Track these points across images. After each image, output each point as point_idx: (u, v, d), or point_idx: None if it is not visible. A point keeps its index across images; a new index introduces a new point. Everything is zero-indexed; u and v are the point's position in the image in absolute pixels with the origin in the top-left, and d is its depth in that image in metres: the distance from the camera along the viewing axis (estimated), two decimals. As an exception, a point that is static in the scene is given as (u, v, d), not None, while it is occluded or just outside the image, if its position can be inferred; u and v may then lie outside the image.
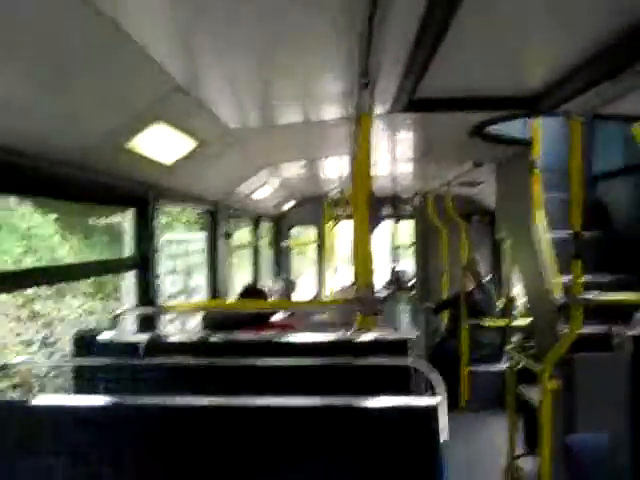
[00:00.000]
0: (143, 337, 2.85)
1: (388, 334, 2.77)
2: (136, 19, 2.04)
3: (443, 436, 1.82)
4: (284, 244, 9.57)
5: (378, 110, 3.54)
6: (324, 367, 2.35)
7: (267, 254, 9.27)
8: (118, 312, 2.94)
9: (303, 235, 10.29)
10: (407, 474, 1.80)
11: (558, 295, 4.24)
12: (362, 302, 2.76)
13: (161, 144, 3.30)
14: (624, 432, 2.85)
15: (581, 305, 3.72)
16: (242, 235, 8.10)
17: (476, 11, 2.20)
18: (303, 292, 9.27)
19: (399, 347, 2.61)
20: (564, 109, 3.49)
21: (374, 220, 2.76)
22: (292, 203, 9.21)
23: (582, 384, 4.01)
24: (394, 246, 9.93)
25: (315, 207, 9.11)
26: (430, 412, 1.83)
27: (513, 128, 4.59)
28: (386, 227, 10.42)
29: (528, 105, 3.56)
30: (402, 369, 2.40)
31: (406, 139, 4.96)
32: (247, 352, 2.56)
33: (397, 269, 10.16)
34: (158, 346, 2.78)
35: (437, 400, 1.85)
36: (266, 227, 9.06)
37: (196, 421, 1.94)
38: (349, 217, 7.32)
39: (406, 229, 10.11)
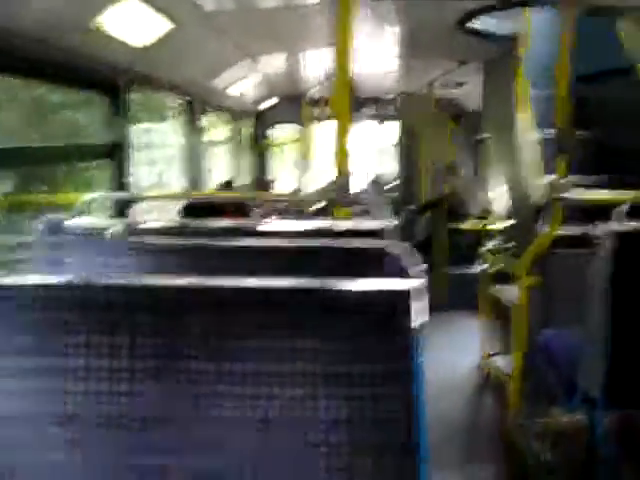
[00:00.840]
0: (115, 222, 2.77)
1: (368, 222, 2.72)
2: None
3: (420, 319, 1.78)
4: (262, 142, 9.41)
5: None
6: (301, 251, 2.31)
7: (246, 154, 9.11)
8: (90, 197, 2.83)
9: (283, 135, 10.09)
10: (382, 356, 1.77)
11: (540, 193, 4.20)
12: (340, 192, 2.69)
13: (133, 23, 3.13)
14: (598, 327, 2.87)
15: (561, 202, 3.68)
16: (220, 133, 7.90)
17: None
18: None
19: (377, 235, 2.57)
20: None
21: (354, 110, 2.67)
22: (273, 101, 8.99)
23: (558, 280, 4.02)
24: (377, 149, 9.81)
25: (296, 106, 8.90)
26: (401, 296, 1.79)
27: (500, 28, 4.45)
28: (369, 129, 10.27)
29: None
30: (379, 255, 2.36)
31: (390, 30, 4.77)
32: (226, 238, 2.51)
33: (380, 172, 10.07)
34: (132, 232, 2.71)
35: (409, 285, 1.80)
36: (245, 125, 8.86)
37: (167, 301, 1.90)
38: (329, 118, 7.17)
39: (391, 131, 9.94)
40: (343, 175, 2.49)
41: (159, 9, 3.17)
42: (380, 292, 1.83)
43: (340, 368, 1.77)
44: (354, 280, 1.82)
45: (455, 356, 5.79)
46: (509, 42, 4.47)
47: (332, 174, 3.97)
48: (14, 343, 1.90)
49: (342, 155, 2.55)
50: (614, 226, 2.85)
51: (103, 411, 1.83)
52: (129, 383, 1.83)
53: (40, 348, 1.89)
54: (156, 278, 1.97)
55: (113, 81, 3.55)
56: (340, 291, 1.82)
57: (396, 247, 2.07)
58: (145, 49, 3.53)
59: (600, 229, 2.91)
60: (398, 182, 9.56)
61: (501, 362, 5.28)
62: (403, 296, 1.78)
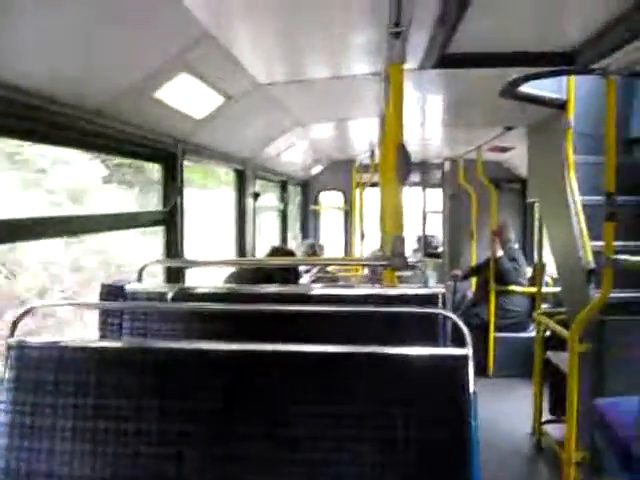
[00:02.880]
0: (170, 287, 2.87)
1: (418, 289, 2.76)
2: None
3: (471, 386, 1.80)
4: (312, 208, 9.56)
5: (408, 65, 3.47)
6: (354, 316, 2.35)
7: (294, 218, 9.27)
8: (144, 264, 2.95)
9: (331, 200, 10.23)
10: (438, 421, 1.78)
11: (589, 259, 4.16)
12: (392, 257, 2.72)
13: (190, 97, 3.29)
14: None
15: (612, 268, 3.65)
16: (269, 198, 8.06)
17: None
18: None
19: (428, 301, 2.60)
20: (601, 66, 3.40)
21: (405, 174, 2.71)
22: (320, 167, 9.17)
23: (611, 347, 3.96)
24: (423, 213, 9.85)
25: (344, 172, 9.06)
26: (461, 361, 1.81)
27: (545, 90, 4.50)
28: (414, 195, 10.33)
29: (564, 62, 3.47)
30: (430, 322, 2.38)
31: (436, 99, 4.88)
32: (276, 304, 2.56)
33: (425, 235, 10.09)
34: (185, 296, 2.80)
35: (467, 351, 1.83)
36: (294, 191, 9.03)
37: (224, 366, 1.94)
38: (375, 185, 7.28)
39: (434, 197, 10.00)
40: (397, 238, 2.53)
41: (213, 84, 3.32)
42: (439, 357, 1.85)
43: (398, 433, 1.78)
44: (411, 345, 1.85)
45: (506, 422, 5.68)
46: (555, 106, 4.52)
47: (383, 238, 4.03)
48: (68, 403, 1.97)
49: (396, 218, 2.60)
50: None
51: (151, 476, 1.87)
52: (180, 446, 1.87)
53: (95, 408, 1.95)
54: (209, 343, 2.03)
55: (169, 150, 3.70)
56: (399, 356, 1.85)
57: (449, 313, 2.10)
58: (200, 121, 3.69)
59: None
60: (443, 247, 9.59)
61: (554, 430, 5.16)
62: (461, 361, 1.80)
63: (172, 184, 3.77)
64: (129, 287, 2.75)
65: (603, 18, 2.91)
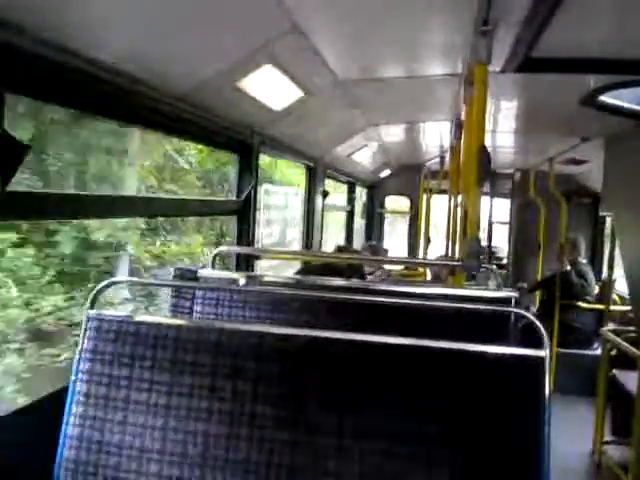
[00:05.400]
0: (241, 275, 2.91)
1: (491, 292, 2.74)
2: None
3: (547, 390, 1.78)
4: (378, 211, 9.55)
5: (490, 67, 3.44)
6: (427, 312, 2.34)
7: (360, 220, 9.29)
8: (217, 250, 3.01)
9: (397, 205, 10.21)
10: (512, 423, 1.76)
11: None
12: (468, 260, 2.70)
13: (271, 89, 3.33)
14: None
15: None
16: (337, 198, 8.09)
17: None
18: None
19: (501, 304, 2.57)
20: None
21: (485, 177, 2.68)
22: (389, 171, 9.16)
23: None
24: (489, 223, 9.72)
25: (412, 177, 9.03)
26: (539, 362, 1.79)
27: (626, 101, 4.39)
28: (483, 204, 10.18)
29: None
30: (503, 323, 2.36)
31: (512, 104, 4.81)
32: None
33: (491, 245, 9.95)
34: (256, 284, 2.84)
35: (545, 352, 1.80)
36: (361, 192, 9.05)
37: (296, 352, 1.96)
38: (444, 192, 7.22)
39: (501, 207, 9.86)
40: (473, 240, 2.50)
41: (294, 77, 3.35)
42: (515, 357, 1.83)
43: (469, 430, 1.76)
44: (486, 343, 1.84)
45: (566, 441, 5.54)
46: (636, 118, 4.40)
47: (459, 241, 3.99)
48: (143, 377, 2.02)
49: (473, 219, 2.58)
50: None
51: (226, 454, 1.90)
52: (250, 428, 1.89)
53: (169, 384, 1.99)
54: (284, 329, 2.04)
55: (246, 141, 3.76)
56: (475, 353, 1.83)
57: (524, 313, 2.07)
58: (277, 113, 3.73)
59: None
60: (508, 259, 9.44)
61: (615, 451, 5.02)
62: (538, 362, 1.78)
63: (247, 175, 3.83)
64: (201, 272, 2.80)
65: None
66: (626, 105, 4.36)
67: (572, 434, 5.68)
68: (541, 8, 2.62)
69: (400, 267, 8.77)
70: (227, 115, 3.36)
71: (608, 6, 2.68)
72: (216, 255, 2.96)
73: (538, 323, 1.90)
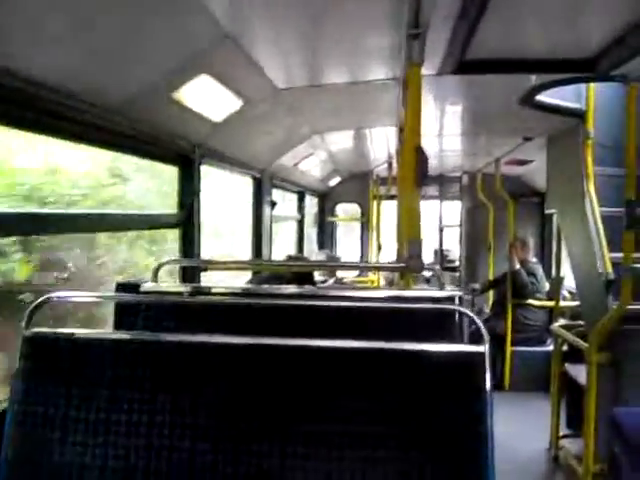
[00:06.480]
0: (186, 287, 2.87)
1: (435, 291, 2.74)
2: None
3: (488, 384, 1.78)
4: (329, 220, 9.56)
5: (427, 71, 3.46)
6: (371, 315, 2.33)
7: (310, 230, 9.28)
8: (160, 263, 2.95)
9: (348, 213, 10.24)
10: (454, 417, 1.76)
11: (609, 269, 4.12)
12: (409, 260, 2.70)
13: (208, 99, 3.30)
14: None
15: (631, 277, 3.60)
16: (285, 209, 8.06)
17: None
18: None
19: (448, 301, 2.58)
20: (621, 72, 3.37)
21: (422, 177, 2.70)
22: (338, 179, 9.18)
23: (630, 357, 3.90)
24: (439, 227, 9.82)
25: (361, 184, 9.09)
26: (478, 358, 1.79)
27: (565, 100, 4.47)
28: (431, 208, 10.32)
29: (584, 69, 3.45)
30: (447, 322, 2.36)
31: (454, 107, 4.87)
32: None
33: (442, 249, 10.05)
34: (201, 296, 2.79)
35: (484, 348, 1.81)
36: (310, 202, 9.04)
37: (238, 361, 1.93)
38: (392, 197, 7.26)
39: (451, 210, 9.98)
40: (414, 241, 2.50)
41: (232, 87, 3.33)
42: (455, 354, 1.83)
43: (413, 428, 1.75)
44: (429, 342, 1.83)
45: (522, 437, 5.60)
46: (574, 116, 4.49)
47: (399, 243, 4.00)
48: (82, 394, 1.97)
49: (413, 221, 2.58)
50: None
51: (170, 466, 1.85)
52: (191, 440, 1.85)
53: (108, 400, 1.94)
54: (223, 337, 2.01)
55: (186, 154, 3.71)
56: (415, 352, 1.83)
57: (464, 310, 2.08)
58: (218, 124, 3.69)
59: None
60: (460, 261, 9.55)
61: (571, 444, 5.08)
62: (478, 358, 1.78)
63: (189, 187, 3.78)
64: (145, 286, 2.75)
65: (623, 23, 2.89)
66: (563, 104, 4.45)
67: (529, 430, 5.75)
68: (470, 10, 2.65)
69: (353, 275, 8.82)
70: (165, 127, 3.31)
71: (533, 8, 2.73)
72: (158, 268, 2.91)
73: (477, 319, 1.90)
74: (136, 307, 2.68)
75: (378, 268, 6.14)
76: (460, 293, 2.66)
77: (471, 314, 1.96)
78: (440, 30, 2.90)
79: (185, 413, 1.86)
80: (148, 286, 2.76)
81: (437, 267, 3.79)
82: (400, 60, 3.23)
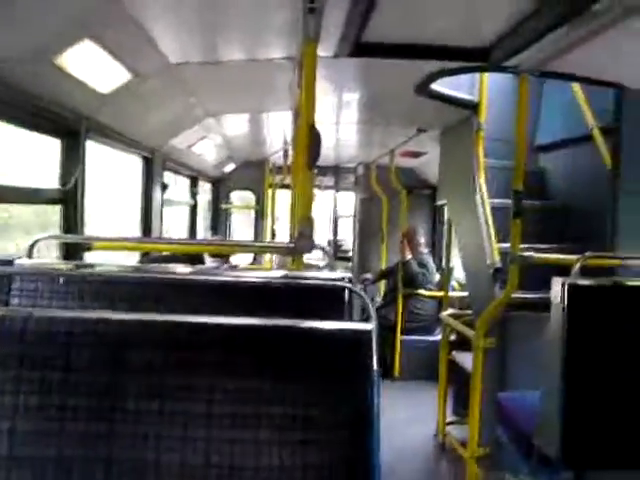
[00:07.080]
0: (67, 264, 2.70)
1: (325, 273, 2.70)
2: None
3: (375, 363, 1.74)
4: (223, 206, 9.41)
5: (323, 52, 3.41)
6: (259, 295, 2.26)
7: (204, 215, 9.11)
8: (35, 239, 2.74)
9: (243, 200, 10.11)
10: (339, 397, 1.71)
11: (496, 258, 4.21)
12: (300, 241, 2.65)
13: (94, 68, 3.11)
14: (555, 389, 2.83)
15: (518, 264, 3.69)
16: (181, 193, 7.86)
17: None
18: (240, 256, 9.10)
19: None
20: (514, 63, 3.43)
21: (315, 156, 2.67)
22: (233, 166, 9.05)
23: (515, 343, 4.01)
24: (334, 217, 9.88)
25: (256, 172, 9.00)
26: (365, 336, 1.74)
27: (460, 91, 4.54)
28: (327, 198, 10.38)
29: (479, 58, 3.48)
30: (337, 302, 2.32)
31: (350, 95, 4.86)
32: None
33: (336, 239, 10.12)
34: (83, 276, 2.62)
35: (372, 325, 1.76)
36: (204, 188, 8.87)
37: (114, 338, 1.80)
38: (287, 186, 7.22)
39: (346, 201, 10.06)
40: (305, 220, 2.45)
41: (120, 57, 3.15)
42: (341, 331, 1.78)
43: (298, 408, 1.69)
44: (315, 320, 1.77)
45: (410, 425, 5.70)
46: (467, 108, 4.56)
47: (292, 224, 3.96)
48: None
49: (305, 201, 2.53)
50: (569, 280, 2.85)
51: (35, 451, 1.72)
52: (63, 421, 1.72)
53: None
54: (100, 312, 1.89)
55: (71, 126, 3.50)
56: (301, 329, 1.76)
57: (352, 287, 2.04)
58: (106, 97, 3.51)
59: (555, 284, 2.90)
60: (353, 251, 9.63)
61: (458, 431, 5.20)
62: (365, 336, 1.73)
63: (73, 162, 3.57)
64: (19, 262, 2.55)
65: (518, 12, 2.92)
66: (457, 95, 4.52)
67: (418, 418, 5.86)
68: None
69: (247, 263, 8.73)
70: (47, 96, 3.10)
71: None
72: (34, 244, 2.70)
73: (365, 296, 1.86)
74: (8, 285, 2.49)
75: (266, 248, 6.07)
76: (350, 275, 2.63)
77: (360, 292, 1.92)
78: (337, 9, 2.85)
79: (52, 392, 1.72)
80: (22, 262, 2.57)
81: (325, 246, 3.77)
82: (297, 37, 3.16)
